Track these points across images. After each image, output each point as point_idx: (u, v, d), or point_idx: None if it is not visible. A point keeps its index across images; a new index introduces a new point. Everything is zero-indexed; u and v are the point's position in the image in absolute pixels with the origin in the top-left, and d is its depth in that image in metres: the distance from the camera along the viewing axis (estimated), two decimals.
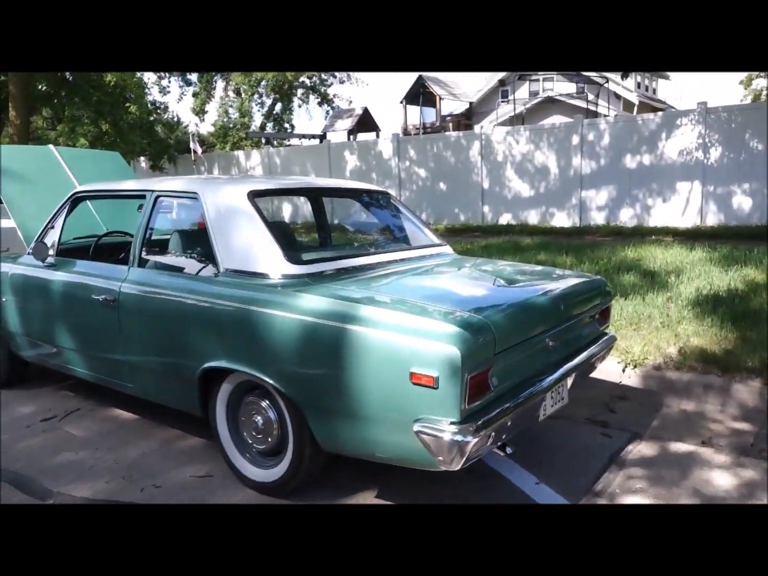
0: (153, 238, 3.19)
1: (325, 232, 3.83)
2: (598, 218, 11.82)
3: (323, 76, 27.41)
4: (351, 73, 27.68)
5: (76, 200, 3.68)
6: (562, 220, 12.20)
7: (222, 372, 2.71)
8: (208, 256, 2.86)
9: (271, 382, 2.49)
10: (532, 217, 12.56)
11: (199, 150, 12.73)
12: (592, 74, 21.38)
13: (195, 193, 2.95)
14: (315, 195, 3.84)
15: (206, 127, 31.91)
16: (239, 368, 2.60)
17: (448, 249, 3.51)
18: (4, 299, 3.89)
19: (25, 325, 3.83)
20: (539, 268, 3.43)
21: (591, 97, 20.18)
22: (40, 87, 14.64)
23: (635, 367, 3.93)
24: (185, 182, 3.13)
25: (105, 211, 4.71)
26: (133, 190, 3.34)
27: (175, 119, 24.43)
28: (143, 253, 3.12)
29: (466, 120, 19.23)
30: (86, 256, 3.63)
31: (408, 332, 2.11)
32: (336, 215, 4.19)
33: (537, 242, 8.71)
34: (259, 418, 2.69)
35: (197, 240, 3.03)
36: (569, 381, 2.67)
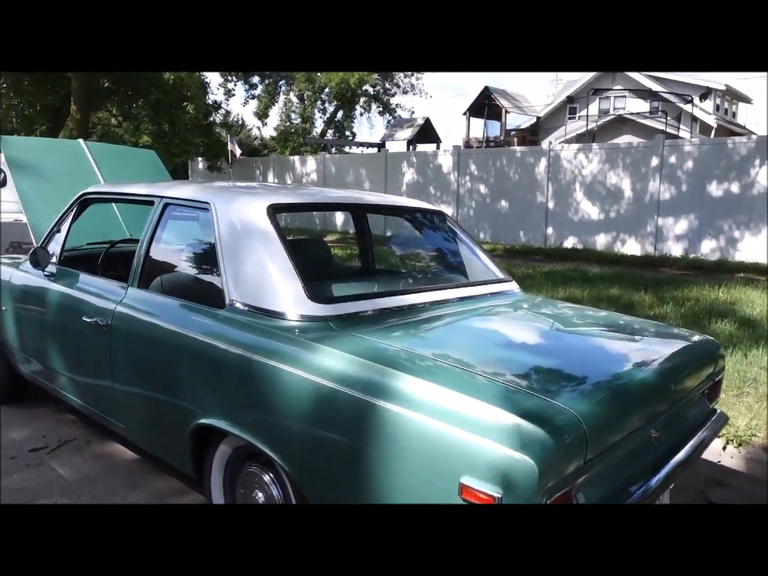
0: (158, 253, 2.66)
1: (366, 258, 3.22)
2: (676, 249, 10.76)
3: (386, 85, 27.13)
4: (414, 83, 27.34)
5: (84, 202, 3.21)
6: (633, 247, 11.20)
7: (219, 431, 2.13)
8: (215, 282, 2.30)
9: (274, 456, 1.90)
10: (600, 243, 11.60)
11: (238, 152, 12.40)
12: (669, 94, 20.14)
13: (206, 202, 2.39)
14: (355, 212, 3.23)
15: (269, 131, 32.06)
16: (237, 432, 2.01)
17: (513, 286, 2.83)
18: (4, 308, 3.46)
19: (22, 340, 3.38)
20: (631, 319, 2.69)
21: (666, 118, 18.97)
22: (103, 83, 14.73)
23: (739, 445, 3.16)
24: (197, 189, 2.58)
25: (130, 215, 4.26)
26: (141, 195, 2.83)
27: (239, 122, 24.49)
28: (144, 271, 2.59)
29: (532, 135, 18.35)
30: (92, 268, 3.14)
31: (460, 422, 1.47)
32: (379, 239, 3.55)
33: (607, 273, 7.83)
34: (260, 494, 2.10)
35: (206, 261, 2.48)
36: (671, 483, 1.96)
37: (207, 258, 2.45)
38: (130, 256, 3.34)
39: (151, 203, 2.69)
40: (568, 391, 1.66)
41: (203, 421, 2.12)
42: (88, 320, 2.62)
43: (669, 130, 17.44)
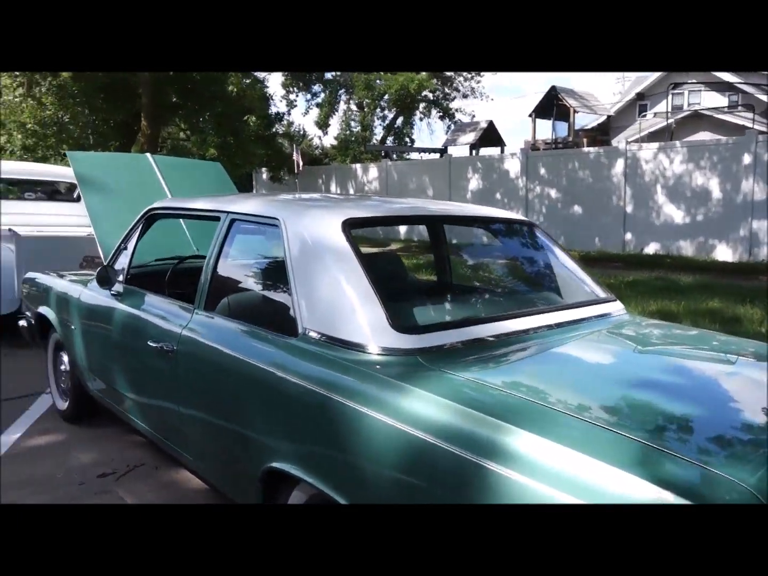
0: (225, 273, 2.47)
1: (445, 276, 2.94)
2: None
3: (446, 90, 26.80)
4: (474, 87, 26.89)
5: (151, 218, 3.08)
6: (725, 253, 10.35)
7: (291, 477, 1.90)
8: (286, 306, 2.08)
9: None
10: (686, 248, 10.80)
11: (302, 162, 12.39)
12: (750, 86, 18.89)
13: (275, 218, 2.18)
14: (434, 224, 2.95)
15: (329, 140, 32.33)
16: (311, 481, 1.77)
17: (618, 306, 2.48)
18: (72, 326, 3.39)
19: (89, 359, 3.29)
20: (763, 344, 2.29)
21: (753, 112, 17.73)
22: (170, 98, 15.10)
23: None
24: (265, 204, 2.38)
25: (197, 229, 4.15)
26: (206, 210, 2.66)
27: (301, 132, 24.74)
28: (211, 293, 2.41)
29: (602, 135, 17.59)
30: (158, 286, 3.00)
31: (592, 496, 1.17)
32: (458, 254, 3.25)
33: (698, 281, 7.18)
34: None
35: (276, 282, 2.27)
36: None
37: (277, 279, 2.24)
38: (196, 274, 3.20)
39: (217, 219, 2.51)
40: (728, 452, 1.32)
41: (274, 465, 1.89)
42: (154, 345, 2.46)
43: (756, 126, 16.26)
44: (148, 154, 4.60)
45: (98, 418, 3.65)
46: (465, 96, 27.17)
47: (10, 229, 5.38)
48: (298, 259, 2.03)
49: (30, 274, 4.19)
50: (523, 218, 2.78)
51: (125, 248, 3.16)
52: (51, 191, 7.89)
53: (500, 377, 1.68)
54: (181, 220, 4.02)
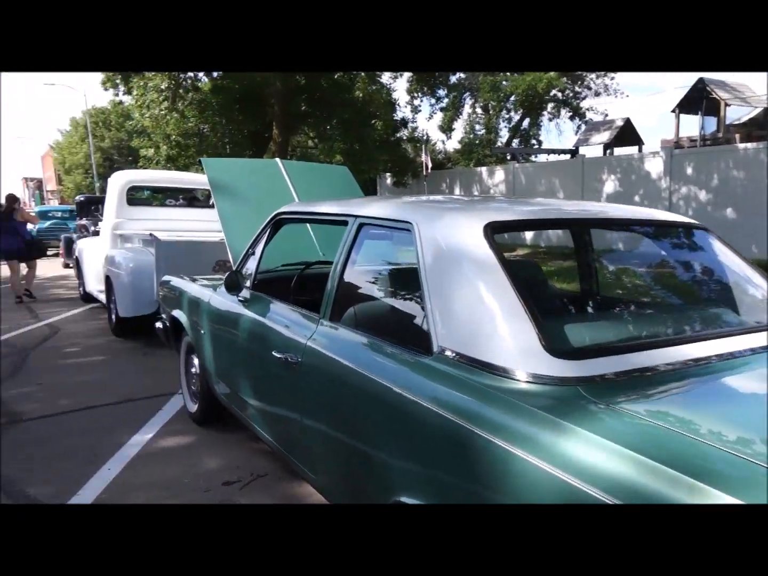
0: (352, 281, 2.30)
1: (595, 290, 2.57)
2: None
3: (576, 88, 25.55)
4: (608, 84, 25.37)
5: (278, 223, 3.01)
6: None
7: None
8: (419, 320, 1.86)
9: None
10: None
11: (430, 164, 12.16)
12: None
13: (407, 222, 1.97)
14: (584, 228, 2.59)
15: (452, 144, 32.08)
16: None
17: None
18: (202, 330, 3.41)
19: (216, 363, 3.29)
20: None
21: None
22: (299, 107, 15.61)
23: None
24: (396, 206, 2.17)
25: (324, 234, 4.08)
26: (334, 214, 2.51)
27: (424, 136, 24.71)
28: (337, 302, 2.25)
29: (758, 129, 15.76)
30: (284, 293, 2.92)
31: None
32: (610, 261, 2.84)
33: None
34: None
35: (408, 292, 2.06)
36: None
37: (409, 289, 2.03)
38: (322, 281, 3.08)
39: (345, 223, 2.35)
40: None
41: (400, 498, 1.67)
42: (279, 355, 2.34)
43: None
44: (277, 159, 4.62)
45: (226, 422, 3.66)
46: (597, 94, 25.74)
47: (151, 234, 5.68)
48: (433, 268, 1.80)
49: (166, 278, 4.33)
50: (695, 222, 2.35)
51: (252, 253, 3.11)
52: (190, 198, 8.35)
53: (689, 419, 1.33)
54: (307, 224, 3.97)
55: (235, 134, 16.27)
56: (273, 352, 2.38)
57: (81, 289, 8.37)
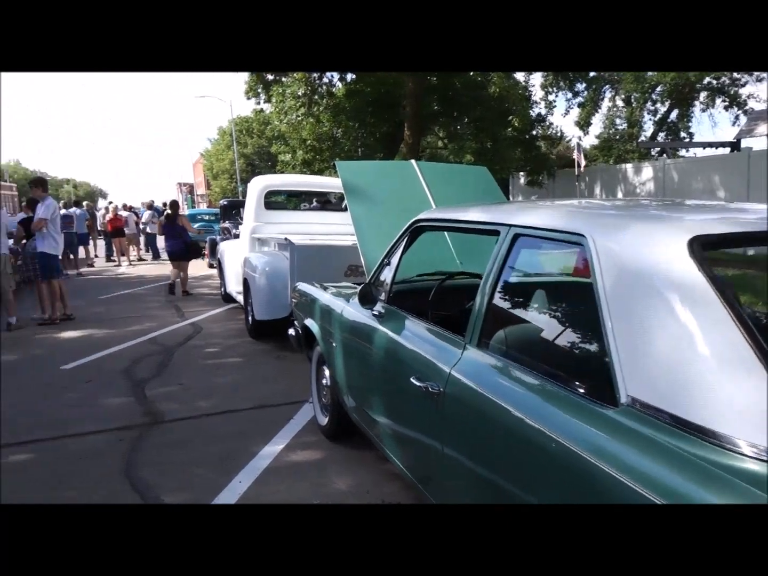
0: (505, 303, 1.98)
1: None
2: None
3: (735, 75, 23.02)
4: None
5: (416, 230, 2.75)
6: None
7: None
8: (596, 359, 1.50)
9: None
10: None
11: (583, 162, 11.25)
12: None
13: (579, 234, 1.61)
14: None
15: (589, 141, 30.38)
16: None
17: None
18: (334, 343, 3.25)
19: (347, 378, 3.11)
20: None
21: None
22: (431, 107, 15.40)
23: None
24: (563, 215, 1.82)
25: (462, 241, 3.79)
26: (482, 223, 2.19)
27: (558, 133, 23.52)
28: (487, 326, 1.94)
29: None
30: (421, 308, 2.66)
31: None
32: None
33: None
34: None
35: (580, 322, 1.70)
36: None
37: (581, 317, 1.67)
38: (462, 295, 2.78)
39: (496, 233, 2.03)
40: None
41: None
42: (417, 383, 2.07)
43: None
44: (412, 161, 4.39)
45: (357, 438, 3.47)
46: (760, 80, 23.02)
47: (286, 238, 5.70)
48: (617, 294, 1.43)
49: (299, 285, 4.26)
50: None
51: (388, 264, 2.88)
52: (323, 201, 8.42)
53: None
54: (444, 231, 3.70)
55: (366, 137, 16.45)
56: (411, 379, 2.12)
57: (222, 289, 8.74)
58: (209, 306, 8.55)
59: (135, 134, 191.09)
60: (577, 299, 1.71)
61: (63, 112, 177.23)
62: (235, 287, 7.61)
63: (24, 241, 8.91)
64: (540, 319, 1.86)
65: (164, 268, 13.89)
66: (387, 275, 2.83)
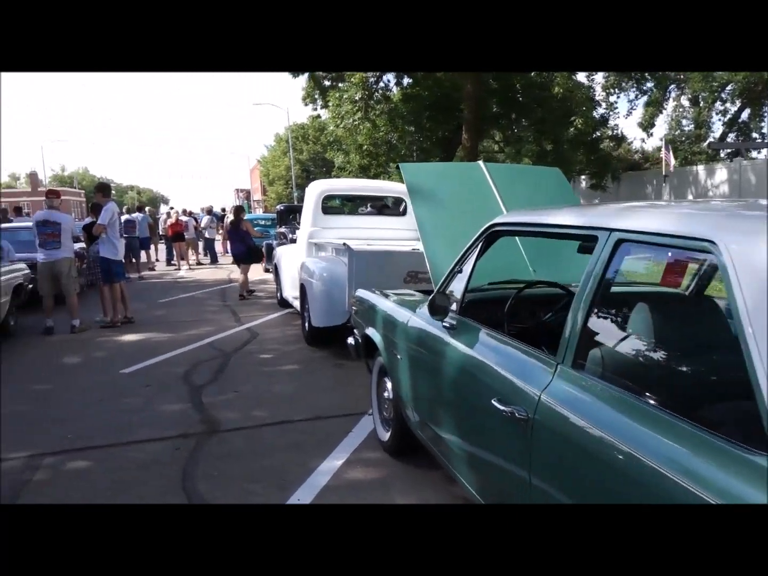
0: (607, 317, 1.74)
1: None
2: None
3: None
4: None
5: (492, 235, 2.53)
6: None
7: None
8: (737, 393, 1.24)
9: None
10: None
11: (672, 161, 10.60)
12: None
13: (708, 241, 1.36)
14: None
15: (652, 142, 29.26)
16: None
17: None
18: (398, 355, 3.05)
19: (413, 394, 2.90)
20: None
21: None
22: (490, 109, 15.06)
23: None
24: (683, 217, 1.56)
25: (535, 247, 3.53)
26: (576, 227, 1.95)
27: (619, 135, 22.69)
28: (583, 345, 1.70)
29: None
30: (496, 320, 2.43)
31: None
32: None
33: None
34: None
35: (709, 345, 1.44)
36: None
37: (707, 338, 1.41)
38: (541, 306, 2.54)
39: (592, 239, 1.79)
40: None
41: None
42: (501, 407, 1.85)
43: None
44: (480, 162, 4.16)
45: (421, 456, 3.25)
46: None
47: (344, 244, 5.55)
48: (761, 313, 1.17)
49: (359, 292, 4.09)
50: None
51: (459, 271, 2.67)
52: (380, 206, 8.27)
53: None
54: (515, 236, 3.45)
55: (423, 141, 16.26)
56: (492, 401, 1.89)
57: (278, 294, 8.70)
58: (265, 311, 8.52)
59: (195, 142, 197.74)
60: (698, 316, 1.45)
61: (128, 121, 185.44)
62: (291, 292, 7.53)
63: (85, 245, 9.14)
64: (650, 338, 1.61)
65: (221, 273, 14.07)
66: (459, 284, 2.61)
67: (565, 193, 4.05)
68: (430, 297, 2.66)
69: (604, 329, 1.74)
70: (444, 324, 2.52)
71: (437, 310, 2.52)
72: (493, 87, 14.15)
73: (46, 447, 3.67)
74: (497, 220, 2.54)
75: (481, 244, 2.54)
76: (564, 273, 3.20)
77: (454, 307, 2.56)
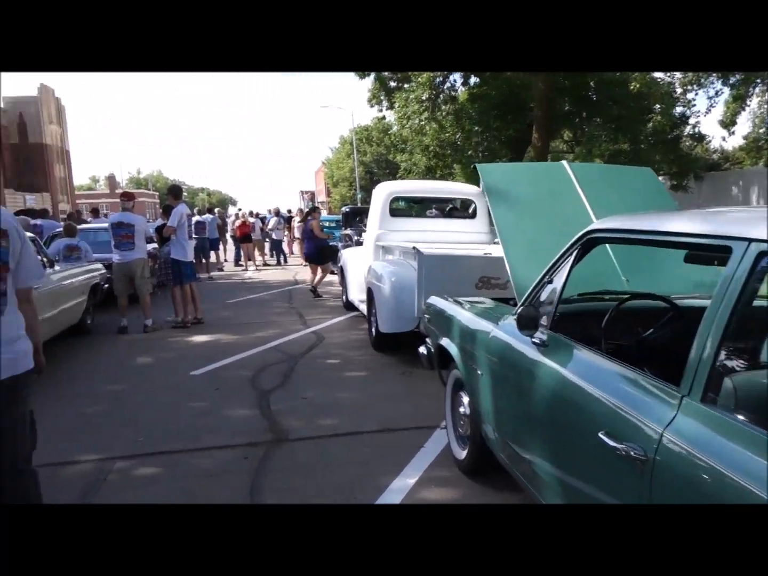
0: (746, 342, 1.48)
1: None
2: None
3: None
4: None
5: (589, 242, 2.29)
6: None
7: None
8: None
9: None
10: None
11: None
12: None
13: None
14: None
15: (734, 141, 27.67)
16: None
17: None
18: (478, 370, 2.84)
19: (495, 413, 2.68)
20: None
21: None
22: (562, 107, 14.53)
23: None
24: None
25: (625, 254, 3.24)
26: (700, 236, 1.69)
27: (698, 133, 21.49)
28: (715, 375, 1.45)
29: None
30: (593, 337, 2.19)
31: None
32: None
33: None
34: None
35: None
36: None
37: None
38: (641, 321, 2.28)
39: (723, 249, 1.53)
40: None
41: None
42: (612, 443, 1.61)
43: None
44: (564, 162, 3.88)
45: (500, 477, 3.02)
46: None
47: (414, 247, 5.38)
48: None
49: (431, 299, 3.90)
50: None
51: (550, 282, 2.43)
52: (449, 208, 8.05)
53: None
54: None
55: (490, 141, 15.89)
56: (600, 435, 1.66)
57: (344, 297, 8.62)
58: (331, 314, 8.45)
59: (263, 145, 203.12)
60: None
61: (199, 124, 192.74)
62: (357, 295, 7.43)
63: (157, 245, 9.35)
64: None
65: (287, 274, 14.18)
66: (550, 296, 2.38)
67: (660, 196, 3.72)
68: (517, 308, 2.44)
69: (741, 356, 1.49)
70: (534, 340, 2.30)
71: (526, 324, 2.30)
72: (564, 85, 13.64)
73: (117, 450, 3.67)
74: (595, 225, 2.30)
75: (576, 251, 2.30)
76: (662, 283, 2.91)
77: (544, 321, 2.33)
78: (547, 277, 2.45)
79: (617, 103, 12.89)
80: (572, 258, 2.31)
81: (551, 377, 2.11)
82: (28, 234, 6.73)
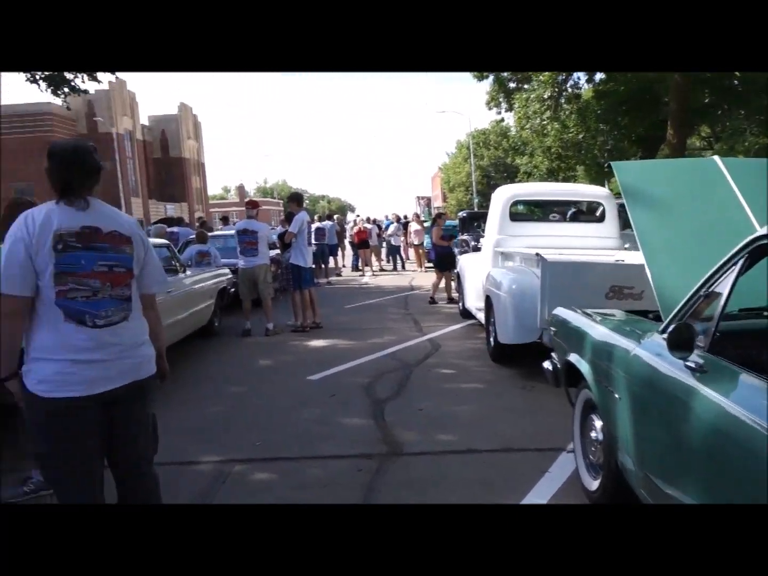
0: None
1: None
2: None
3: None
4: None
5: (757, 251, 1.93)
6: None
7: None
8: None
9: None
10: None
11: None
12: None
13: None
14: None
15: None
16: None
17: None
18: (615, 394, 2.53)
19: (635, 441, 2.36)
20: None
21: None
22: (702, 100, 13.31)
23: None
24: None
25: None
26: None
27: None
28: None
29: None
30: (755, 358, 1.84)
31: None
32: None
33: None
34: None
35: None
36: None
37: None
38: None
39: None
40: None
41: None
42: None
43: None
44: (715, 157, 3.42)
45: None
46: None
47: (537, 254, 5.06)
48: None
49: (558, 311, 3.60)
50: None
51: (707, 296, 2.10)
52: (575, 212, 7.58)
53: None
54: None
55: (618, 140, 14.93)
56: None
57: (460, 304, 8.41)
58: (447, 321, 8.27)
59: (380, 151, 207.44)
60: None
61: (320, 134, 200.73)
62: (474, 303, 7.18)
63: (280, 251, 9.66)
64: None
65: (403, 280, 14.18)
66: (707, 312, 2.04)
67: None
68: (664, 324, 2.12)
69: None
70: (688, 363, 1.98)
71: (680, 345, 1.98)
72: (704, 76, 12.49)
73: (236, 453, 3.73)
74: (762, 232, 1.94)
75: (742, 260, 1.95)
76: None
77: (700, 341, 2.00)
78: (704, 290, 2.11)
79: (762, 92, 11.54)
80: (737, 268, 1.96)
81: (711, 410, 1.79)
82: (164, 240, 7.25)
